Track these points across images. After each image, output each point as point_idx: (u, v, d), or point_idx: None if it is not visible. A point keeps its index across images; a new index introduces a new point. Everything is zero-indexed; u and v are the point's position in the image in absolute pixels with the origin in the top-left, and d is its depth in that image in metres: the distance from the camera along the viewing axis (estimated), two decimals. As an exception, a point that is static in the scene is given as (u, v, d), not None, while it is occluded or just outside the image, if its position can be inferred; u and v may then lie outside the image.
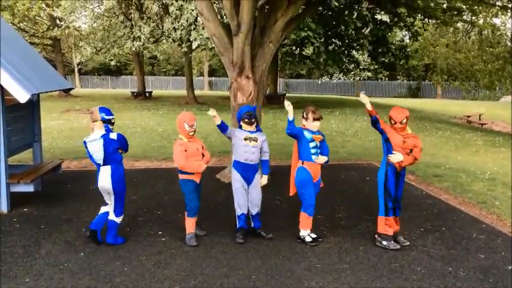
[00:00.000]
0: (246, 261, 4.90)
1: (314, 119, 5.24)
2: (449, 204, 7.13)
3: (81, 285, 4.35)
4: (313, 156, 5.28)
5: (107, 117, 5.23)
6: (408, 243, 5.38)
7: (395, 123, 5.21)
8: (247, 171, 5.41)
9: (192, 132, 5.26)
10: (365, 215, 6.41)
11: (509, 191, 7.84)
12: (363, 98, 5.23)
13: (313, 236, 5.44)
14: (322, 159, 5.33)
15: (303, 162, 5.32)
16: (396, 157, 5.19)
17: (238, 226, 5.53)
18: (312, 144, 5.26)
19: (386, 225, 5.30)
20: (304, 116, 5.31)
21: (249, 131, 5.42)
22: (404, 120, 5.19)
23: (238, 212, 5.50)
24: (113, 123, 5.32)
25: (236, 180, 5.45)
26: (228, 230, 5.72)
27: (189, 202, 5.35)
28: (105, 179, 5.17)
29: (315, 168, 5.33)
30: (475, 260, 5.03)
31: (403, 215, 6.34)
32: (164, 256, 5.01)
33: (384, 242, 5.30)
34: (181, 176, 5.33)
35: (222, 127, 5.46)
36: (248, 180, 5.44)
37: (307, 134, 5.26)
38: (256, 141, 5.39)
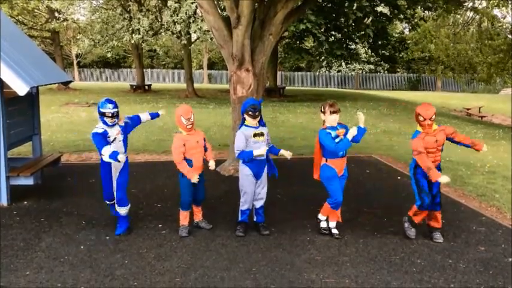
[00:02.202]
0: (247, 254, 4.90)
1: (331, 112, 5.14)
2: (449, 197, 7.13)
3: (82, 278, 4.35)
4: (340, 153, 5.22)
5: (101, 109, 5.15)
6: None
7: (425, 119, 5.06)
8: (259, 167, 5.37)
9: (190, 125, 5.23)
10: (365, 207, 6.41)
11: (509, 183, 7.85)
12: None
13: (328, 229, 5.51)
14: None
15: (326, 160, 5.27)
16: (442, 179, 5.00)
17: (239, 219, 5.53)
18: (337, 140, 5.16)
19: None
20: (322, 110, 5.24)
21: (253, 127, 5.36)
22: (434, 117, 5.09)
23: (244, 207, 5.48)
24: (110, 117, 5.11)
25: (247, 176, 5.38)
26: (228, 223, 5.72)
27: (182, 196, 5.38)
28: None
29: (340, 164, 5.29)
30: (475, 252, 5.04)
31: (403, 208, 6.36)
32: (164, 249, 5.01)
33: (405, 224, 5.42)
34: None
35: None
36: (259, 175, 5.41)
37: (331, 133, 5.17)
38: (263, 135, 5.36)
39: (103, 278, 4.36)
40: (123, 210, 5.40)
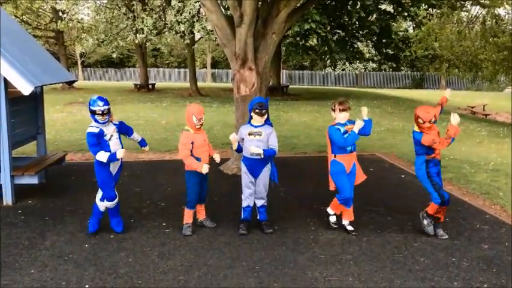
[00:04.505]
0: (250, 253, 4.92)
1: (341, 110, 5.27)
2: (453, 195, 7.11)
3: (86, 276, 4.38)
4: (349, 148, 5.28)
5: (91, 107, 5.10)
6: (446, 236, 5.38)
7: (424, 122, 5.11)
8: (254, 166, 5.41)
9: (199, 126, 5.29)
10: (368, 206, 6.40)
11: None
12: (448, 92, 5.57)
13: (350, 228, 5.49)
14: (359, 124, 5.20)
15: (335, 155, 5.34)
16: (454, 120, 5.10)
17: (242, 217, 5.55)
18: (345, 136, 5.23)
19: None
20: (332, 108, 5.36)
21: (254, 125, 5.39)
22: (433, 119, 5.13)
23: (244, 204, 5.53)
24: (101, 114, 5.06)
25: (244, 173, 5.49)
26: (231, 222, 5.73)
27: (190, 194, 5.41)
28: None
29: (348, 159, 5.33)
30: (479, 250, 5.03)
31: (407, 206, 6.35)
32: (168, 247, 5.03)
33: (425, 221, 5.37)
34: (187, 167, 5.36)
35: (239, 149, 5.54)
36: (255, 174, 5.45)
37: (340, 128, 5.26)
38: (261, 135, 5.35)
39: (107, 276, 4.38)
40: (112, 204, 5.40)
